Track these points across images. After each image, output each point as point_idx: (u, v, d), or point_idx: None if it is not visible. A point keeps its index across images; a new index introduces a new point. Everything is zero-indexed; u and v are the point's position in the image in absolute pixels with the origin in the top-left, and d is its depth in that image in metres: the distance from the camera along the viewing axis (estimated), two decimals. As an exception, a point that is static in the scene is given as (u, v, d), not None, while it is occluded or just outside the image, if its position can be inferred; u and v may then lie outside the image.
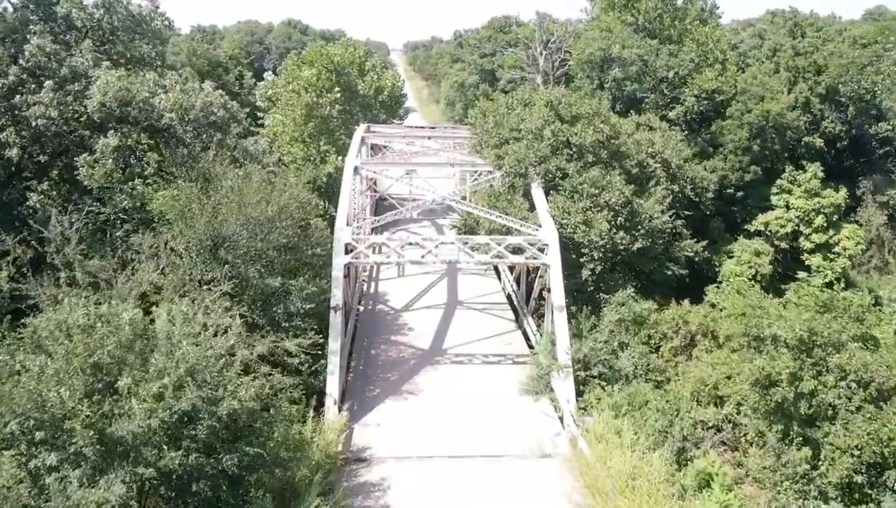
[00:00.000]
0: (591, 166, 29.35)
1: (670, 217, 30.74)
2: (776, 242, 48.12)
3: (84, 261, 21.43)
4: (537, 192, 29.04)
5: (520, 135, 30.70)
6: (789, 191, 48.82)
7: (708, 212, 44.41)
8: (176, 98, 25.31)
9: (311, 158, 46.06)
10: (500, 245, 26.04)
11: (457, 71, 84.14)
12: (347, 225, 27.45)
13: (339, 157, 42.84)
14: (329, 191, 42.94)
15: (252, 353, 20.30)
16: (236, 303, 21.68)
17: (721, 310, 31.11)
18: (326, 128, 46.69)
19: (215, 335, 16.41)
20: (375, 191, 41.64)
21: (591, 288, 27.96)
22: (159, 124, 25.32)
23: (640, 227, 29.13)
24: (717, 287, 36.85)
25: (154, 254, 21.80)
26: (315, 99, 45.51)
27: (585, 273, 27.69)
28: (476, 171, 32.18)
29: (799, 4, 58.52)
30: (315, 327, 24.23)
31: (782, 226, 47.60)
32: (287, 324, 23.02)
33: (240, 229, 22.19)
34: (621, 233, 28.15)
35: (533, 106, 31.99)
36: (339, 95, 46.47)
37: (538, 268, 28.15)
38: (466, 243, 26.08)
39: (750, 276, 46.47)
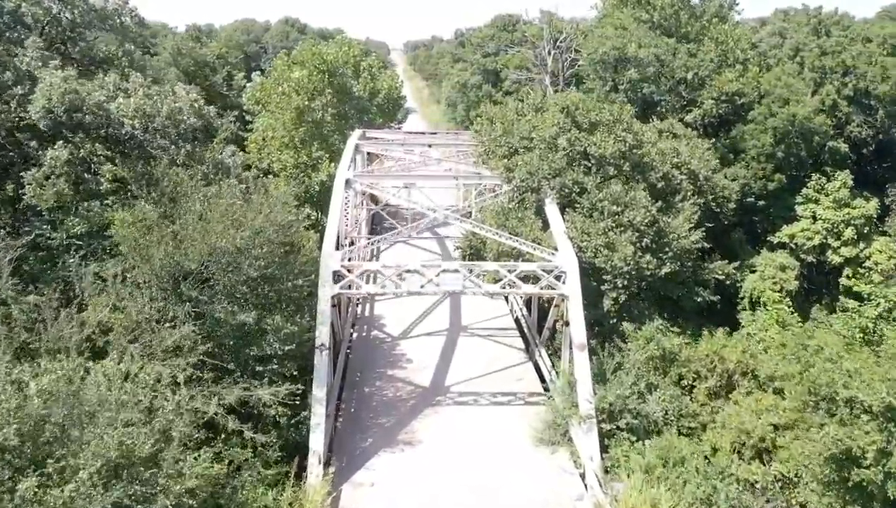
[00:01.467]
0: (612, 180, 25.83)
1: (699, 237, 27.21)
2: (802, 255, 44.67)
3: (21, 297, 17.96)
4: (552, 209, 25.53)
5: (531, 144, 27.17)
6: (816, 201, 45.23)
7: (727, 223, 40.85)
8: (138, 103, 21.75)
9: (303, 165, 42.54)
10: (510, 272, 22.52)
11: (458, 71, 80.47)
12: (338, 247, 23.96)
13: (333, 164, 39.30)
14: (322, 200, 39.43)
15: (215, 406, 16.98)
16: (202, 342, 18.26)
17: (759, 342, 27.57)
18: (319, 133, 43.11)
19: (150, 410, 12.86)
20: (374, 203, 38.01)
21: (614, 319, 24.43)
22: (119, 133, 21.77)
23: (667, 249, 25.62)
24: (752, 313, 33.21)
25: (103, 289, 18.31)
26: (306, 102, 41.95)
27: (607, 303, 24.18)
28: (482, 184, 28.55)
29: (809, 2, 54.91)
30: (297, 370, 20.76)
31: (809, 239, 44.04)
32: (262, 369, 19.52)
33: (204, 261, 18.66)
34: (647, 257, 24.62)
35: (546, 111, 28.44)
36: (331, 98, 42.90)
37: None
38: (472, 270, 22.56)
39: (775, 292, 43.13)
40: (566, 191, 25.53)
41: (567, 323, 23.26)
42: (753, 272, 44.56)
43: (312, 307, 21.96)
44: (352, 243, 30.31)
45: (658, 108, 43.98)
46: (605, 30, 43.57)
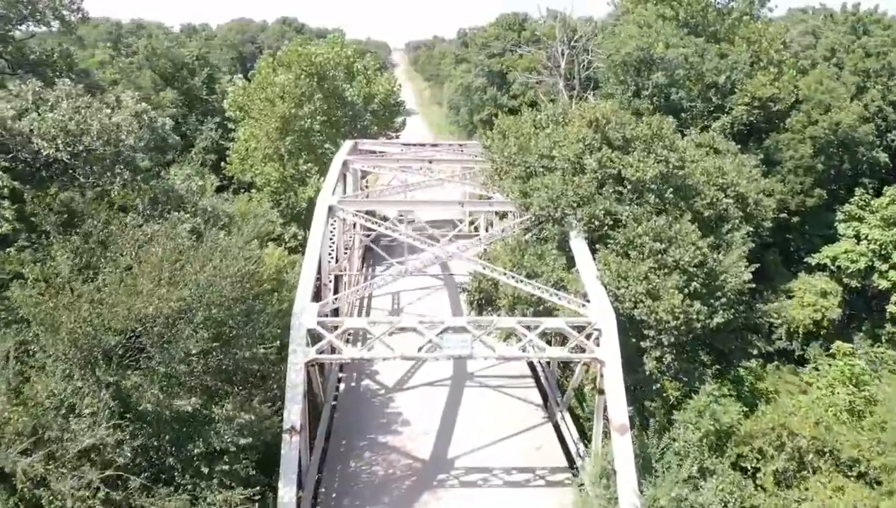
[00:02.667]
0: (653, 209, 21.00)
1: (750, 277, 22.38)
2: (845, 280, 39.87)
3: None
4: (579, 245, 20.73)
5: (553, 164, 22.35)
6: (860, 219, 40.44)
7: (759, 243, 36.12)
8: (59, 119, 16.93)
9: (289, 179, 37.77)
10: (531, 330, 17.74)
11: (461, 73, 75.48)
12: (317, 296, 19.25)
13: (322, 178, 34.55)
14: (310, 218, 34.88)
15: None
16: (130, 438, 13.58)
17: (829, 409, 22.68)
18: (307, 143, 38.34)
19: None
20: (369, 231, 33.08)
21: (657, 385, 19.63)
22: (34, 158, 16.96)
23: (719, 294, 20.80)
24: (816, 369, 28.26)
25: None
26: (292, 109, 37.14)
27: (650, 364, 19.34)
28: (492, 211, 23.67)
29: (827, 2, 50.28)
30: (258, 462, 16.00)
31: (853, 261, 39.23)
32: (209, 469, 14.75)
33: (129, 332, 13.88)
34: (697, 305, 19.79)
35: (568, 124, 23.62)
36: (321, 104, 38.09)
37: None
38: (484, 327, 17.77)
39: (814, 321, 38.28)
40: (596, 222, 20.70)
41: (601, 391, 18.50)
42: (790, 297, 39.82)
43: (283, 375, 17.22)
44: (337, 286, 25.50)
45: (683, 116, 39.09)
46: (628, 28, 38.72)
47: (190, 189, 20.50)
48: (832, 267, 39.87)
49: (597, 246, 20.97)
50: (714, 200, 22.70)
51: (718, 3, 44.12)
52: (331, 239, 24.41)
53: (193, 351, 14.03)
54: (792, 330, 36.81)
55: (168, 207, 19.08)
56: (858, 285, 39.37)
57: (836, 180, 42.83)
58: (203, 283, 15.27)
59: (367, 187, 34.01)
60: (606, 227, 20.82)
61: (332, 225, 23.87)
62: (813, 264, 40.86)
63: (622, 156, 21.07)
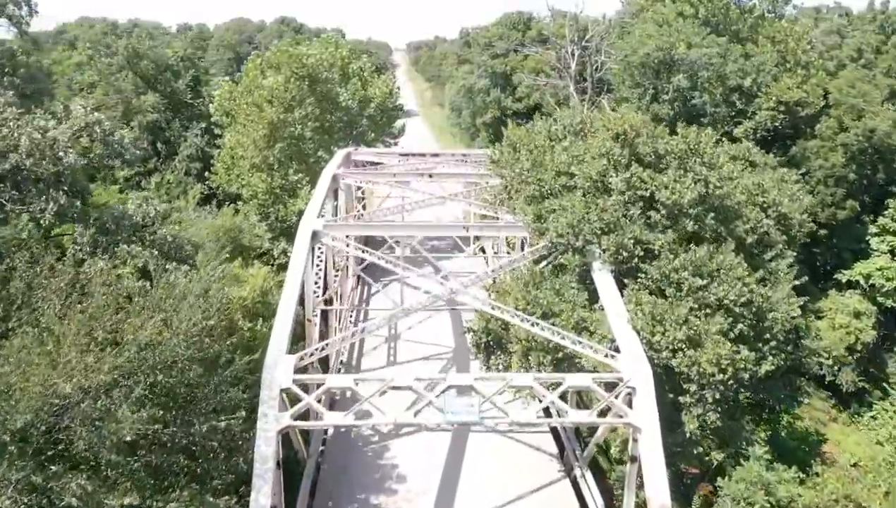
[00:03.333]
0: (690, 237, 17.88)
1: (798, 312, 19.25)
2: (880, 299, 36.77)
3: None
4: (604, 280, 17.63)
5: (572, 182, 19.22)
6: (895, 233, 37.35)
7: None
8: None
9: (278, 190, 34.65)
10: (550, 389, 14.66)
11: (464, 74, 72.28)
12: (294, 345, 16.18)
13: (313, 190, 31.50)
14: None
15: None
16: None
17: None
18: (297, 151, 35.24)
19: None
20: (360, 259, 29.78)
21: (699, 448, 16.51)
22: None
23: (767, 336, 17.67)
24: (860, 403, 25.20)
25: None
26: (281, 115, 34.05)
27: (691, 426, 16.20)
28: (501, 237, 20.51)
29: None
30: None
31: (889, 279, 36.11)
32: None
33: (44, 414, 10.80)
34: (744, 351, 16.67)
35: (589, 136, 20.50)
36: (312, 109, 34.99)
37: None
38: (494, 383, 14.70)
39: (847, 345, 35.16)
40: (625, 253, 17.56)
41: (633, 459, 15.41)
42: (820, 318, 36.72)
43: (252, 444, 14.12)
44: (325, 319, 22.36)
45: (703, 121, 35.96)
46: (644, 27, 35.61)
47: (147, 214, 17.32)
48: (865, 285, 36.80)
49: (625, 280, 17.86)
50: (756, 224, 19.58)
51: (741, 0, 41.10)
52: (317, 267, 21.30)
53: (128, 437, 10.90)
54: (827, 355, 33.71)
55: (119, 238, 15.93)
56: (894, 304, 36.28)
57: (868, 190, 39.81)
58: (148, 343, 12.17)
59: (363, 199, 30.83)
60: (637, 259, 17.68)
61: (319, 251, 20.78)
62: (843, 281, 37.86)
63: (655, 176, 17.92)
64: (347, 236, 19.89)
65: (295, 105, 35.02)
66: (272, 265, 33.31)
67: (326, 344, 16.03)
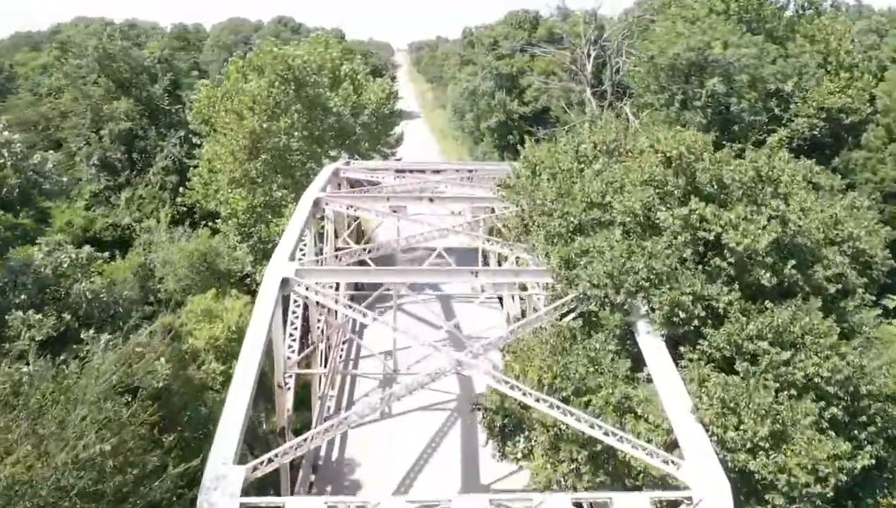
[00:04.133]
0: (760, 290, 13.76)
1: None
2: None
3: None
4: (652, 347, 13.55)
5: (608, 217, 15.12)
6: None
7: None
8: None
9: (260, 208, 30.59)
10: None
11: (467, 75, 67.96)
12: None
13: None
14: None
15: None
16: None
17: None
18: (282, 164, 31.15)
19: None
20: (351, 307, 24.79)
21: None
22: None
23: (863, 418, 13.56)
24: None
25: None
26: (264, 123, 29.96)
27: (778, 551, 12.06)
28: (519, 284, 16.20)
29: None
30: None
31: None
32: None
33: None
34: (843, 445, 12.56)
35: (631, 157, 16.38)
36: (299, 116, 30.92)
37: None
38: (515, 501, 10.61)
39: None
40: (681, 314, 13.44)
41: None
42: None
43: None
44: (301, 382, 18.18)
45: (734, 129, 31.87)
46: (671, 25, 31.44)
47: (59, 265, 13.19)
48: (918, 313, 32.62)
49: (680, 347, 13.73)
50: (838, 268, 15.44)
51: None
52: (293, 314, 17.19)
53: None
54: None
55: (15, 300, 11.81)
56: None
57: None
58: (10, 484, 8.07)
59: (352, 223, 26.67)
60: (695, 321, 13.55)
61: (295, 306, 16.66)
62: (890, 307, 33.78)
63: (720, 212, 13.78)
64: (320, 283, 15.75)
65: (280, 112, 30.95)
66: (254, 292, 29.37)
67: (297, 445, 11.91)
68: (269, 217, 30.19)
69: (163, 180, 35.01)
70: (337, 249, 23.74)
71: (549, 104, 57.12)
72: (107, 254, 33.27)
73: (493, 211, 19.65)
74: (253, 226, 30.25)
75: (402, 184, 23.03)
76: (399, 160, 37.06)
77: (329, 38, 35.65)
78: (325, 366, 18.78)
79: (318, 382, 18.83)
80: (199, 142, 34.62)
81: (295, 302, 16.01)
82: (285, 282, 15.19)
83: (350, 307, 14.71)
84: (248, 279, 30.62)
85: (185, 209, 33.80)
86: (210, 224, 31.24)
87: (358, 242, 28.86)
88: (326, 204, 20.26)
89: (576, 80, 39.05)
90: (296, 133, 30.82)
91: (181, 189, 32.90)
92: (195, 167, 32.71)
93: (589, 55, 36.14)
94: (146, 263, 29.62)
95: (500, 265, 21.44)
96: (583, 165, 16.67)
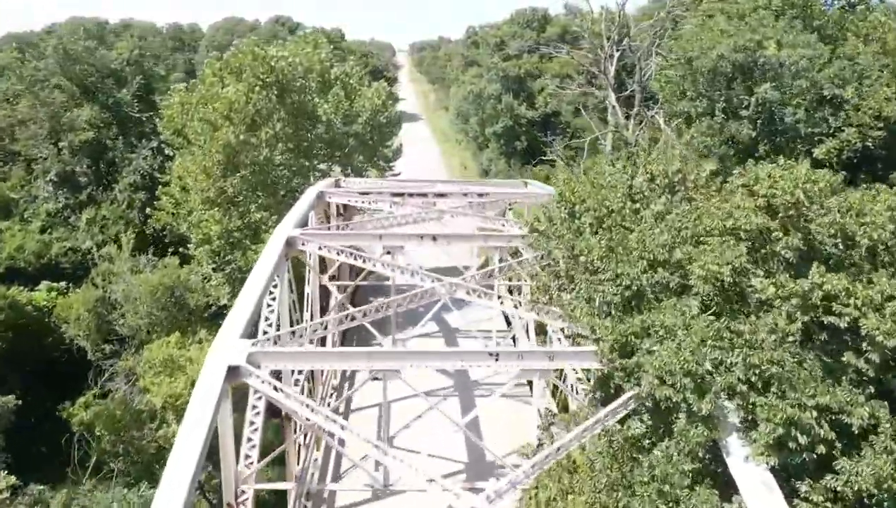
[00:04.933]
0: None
1: None
2: None
3: None
4: (754, 481, 9.22)
5: (683, 281, 10.79)
6: None
7: None
8: None
9: (237, 233, 26.30)
10: None
11: (471, 77, 63.48)
12: None
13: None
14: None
15: None
16: None
17: None
18: (263, 180, 26.83)
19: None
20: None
21: None
22: None
23: None
24: None
25: None
26: (242, 135, 25.66)
27: None
28: (553, 370, 11.83)
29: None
30: None
31: None
32: None
33: None
34: None
35: (699, 192, 12.03)
36: (283, 126, 26.65)
37: None
38: None
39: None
40: (800, 438, 9.13)
41: None
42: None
43: None
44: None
45: (777, 140, 27.54)
46: (710, 21, 27.04)
47: None
48: None
49: (796, 482, 9.40)
50: None
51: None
52: (254, 410, 12.79)
53: None
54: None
55: None
56: None
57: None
58: None
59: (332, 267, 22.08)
60: (822, 445, 9.20)
61: (255, 393, 12.27)
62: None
63: (853, 287, 9.41)
64: (278, 390, 11.36)
65: (261, 121, 26.66)
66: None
67: None
68: (248, 242, 25.90)
69: (130, 198, 30.70)
70: (321, 286, 19.42)
71: (560, 108, 52.81)
72: (64, 283, 29.30)
73: (516, 253, 15.38)
74: (229, 253, 25.96)
75: (399, 214, 18.66)
76: (397, 175, 32.66)
77: (318, 37, 31.27)
78: (296, 478, 14.27)
79: (289, 500, 14.28)
80: (173, 155, 30.26)
81: (255, 392, 11.76)
82: (234, 372, 10.88)
83: (325, 416, 10.37)
84: (226, 310, 26.39)
85: (152, 233, 29.44)
86: (182, 249, 26.92)
87: (353, 277, 24.56)
88: (304, 244, 15.90)
89: (595, 83, 34.65)
90: (279, 144, 26.53)
91: (147, 210, 28.56)
92: (165, 185, 28.35)
93: (611, 56, 31.80)
94: (106, 297, 25.33)
95: (527, 332, 17.18)
96: (638, 204, 12.31)
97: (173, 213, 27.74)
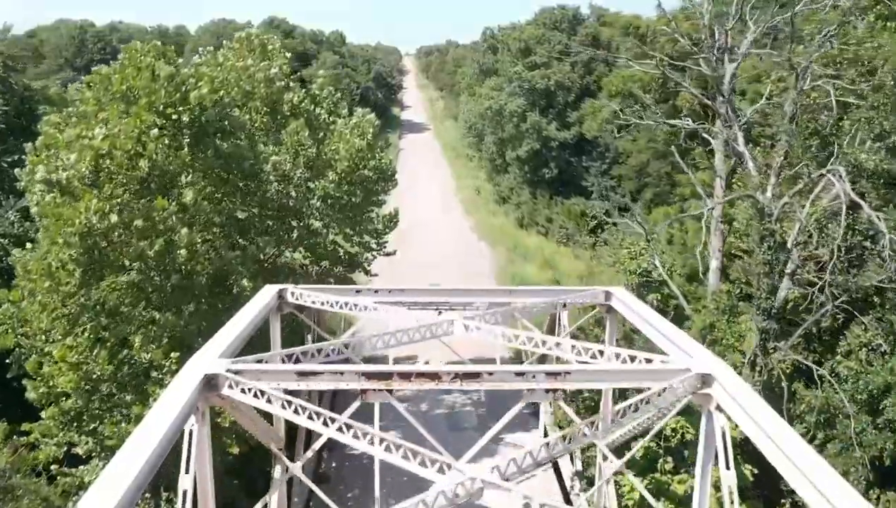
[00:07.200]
0: None
1: None
2: None
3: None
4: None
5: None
6: None
7: None
8: None
9: (103, 391, 14.72)
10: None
11: (489, 89, 51.53)
12: None
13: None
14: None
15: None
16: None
17: None
18: (160, 286, 15.20)
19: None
20: None
21: None
22: None
23: None
24: None
25: None
26: (113, 213, 14.11)
27: None
28: None
29: None
30: None
31: None
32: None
33: None
34: None
35: None
36: (195, 195, 15.10)
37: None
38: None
39: None
40: None
41: None
42: None
43: None
44: None
45: None
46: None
47: None
48: None
49: None
50: None
51: None
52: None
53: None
54: None
55: None
56: None
57: None
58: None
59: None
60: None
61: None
62: None
63: None
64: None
65: (155, 187, 15.14)
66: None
67: None
68: (126, 401, 14.34)
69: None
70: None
71: (601, 130, 41.18)
72: None
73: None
74: (96, 422, 14.41)
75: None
76: (392, 254, 20.73)
77: (269, 38, 19.31)
78: None
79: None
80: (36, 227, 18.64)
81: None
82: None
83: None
84: None
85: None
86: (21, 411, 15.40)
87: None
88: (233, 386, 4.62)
89: (712, 119, 22.79)
90: (185, 229, 14.92)
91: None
92: (8, 281, 16.84)
93: (724, 75, 19.81)
94: None
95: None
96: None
97: (21, 334, 16.20)
